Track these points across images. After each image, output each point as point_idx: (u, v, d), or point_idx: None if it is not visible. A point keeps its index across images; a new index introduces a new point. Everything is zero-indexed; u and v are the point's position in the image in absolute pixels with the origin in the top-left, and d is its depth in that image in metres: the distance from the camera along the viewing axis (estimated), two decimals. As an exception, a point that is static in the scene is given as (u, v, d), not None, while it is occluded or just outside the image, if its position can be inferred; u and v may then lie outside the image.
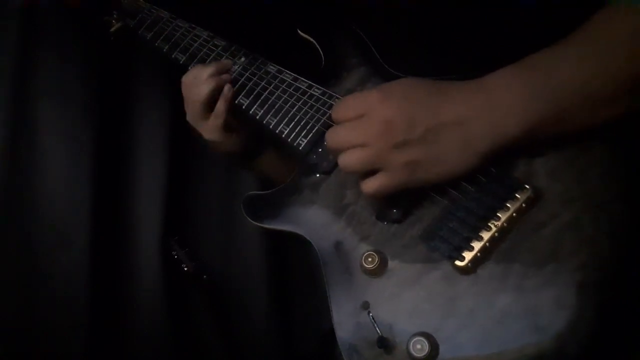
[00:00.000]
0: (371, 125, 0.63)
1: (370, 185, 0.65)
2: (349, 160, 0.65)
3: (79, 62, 1.31)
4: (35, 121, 1.28)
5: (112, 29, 1.03)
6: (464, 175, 0.64)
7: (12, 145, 1.25)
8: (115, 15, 1.02)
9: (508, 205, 0.63)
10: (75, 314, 1.21)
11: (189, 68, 0.90)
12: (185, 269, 1.23)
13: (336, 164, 0.75)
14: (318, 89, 0.80)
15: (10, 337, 1.16)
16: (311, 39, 0.84)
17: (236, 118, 0.87)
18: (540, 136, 0.62)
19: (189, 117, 0.88)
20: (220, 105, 0.84)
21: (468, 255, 0.63)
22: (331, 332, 0.70)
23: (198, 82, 0.84)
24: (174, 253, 1.25)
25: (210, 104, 0.84)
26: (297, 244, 0.78)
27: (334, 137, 0.67)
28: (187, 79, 0.86)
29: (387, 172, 0.64)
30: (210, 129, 0.85)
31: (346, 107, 0.67)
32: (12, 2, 1.23)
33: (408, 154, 0.62)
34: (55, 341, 1.19)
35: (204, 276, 1.24)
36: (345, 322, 0.68)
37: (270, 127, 0.81)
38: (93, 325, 1.21)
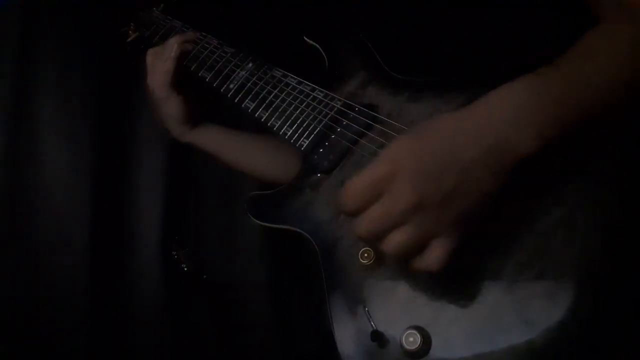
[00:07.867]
0: (398, 198, 0.56)
1: (433, 258, 0.58)
2: (395, 246, 0.57)
3: (79, 62, 1.32)
4: (35, 121, 1.29)
5: (129, 39, 1.09)
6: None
7: (12, 145, 1.26)
8: (132, 26, 1.09)
9: None
10: (75, 314, 1.22)
11: (199, 75, 0.93)
12: (185, 269, 1.24)
13: (336, 163, 0.77)
14: (320, 91, 0.81)
15: (10, 336, 1.17)
16: (317, 45, 0.86)
17: (183, 82, 0.93)
18: (555, 150, 0.59)
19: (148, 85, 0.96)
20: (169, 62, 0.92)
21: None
22: (331, 332, 0.71)
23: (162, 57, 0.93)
24: (174, 253, 1.25)
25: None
26: (298, 243, 0.79)
27: (363, 230, 0.58)
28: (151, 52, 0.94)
29: (442, 237, 0.57)
30: (158, 82, 0.93)
31: (356, 194, 0.58)
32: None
33: (450, 209, 0.57)
34: (55, 341, 1.20)
35: (204, 276, 1.25)
36: (341, 317, 0.68)
37: (274, 129, 0.83)
38: (93, 325, 1.22)
